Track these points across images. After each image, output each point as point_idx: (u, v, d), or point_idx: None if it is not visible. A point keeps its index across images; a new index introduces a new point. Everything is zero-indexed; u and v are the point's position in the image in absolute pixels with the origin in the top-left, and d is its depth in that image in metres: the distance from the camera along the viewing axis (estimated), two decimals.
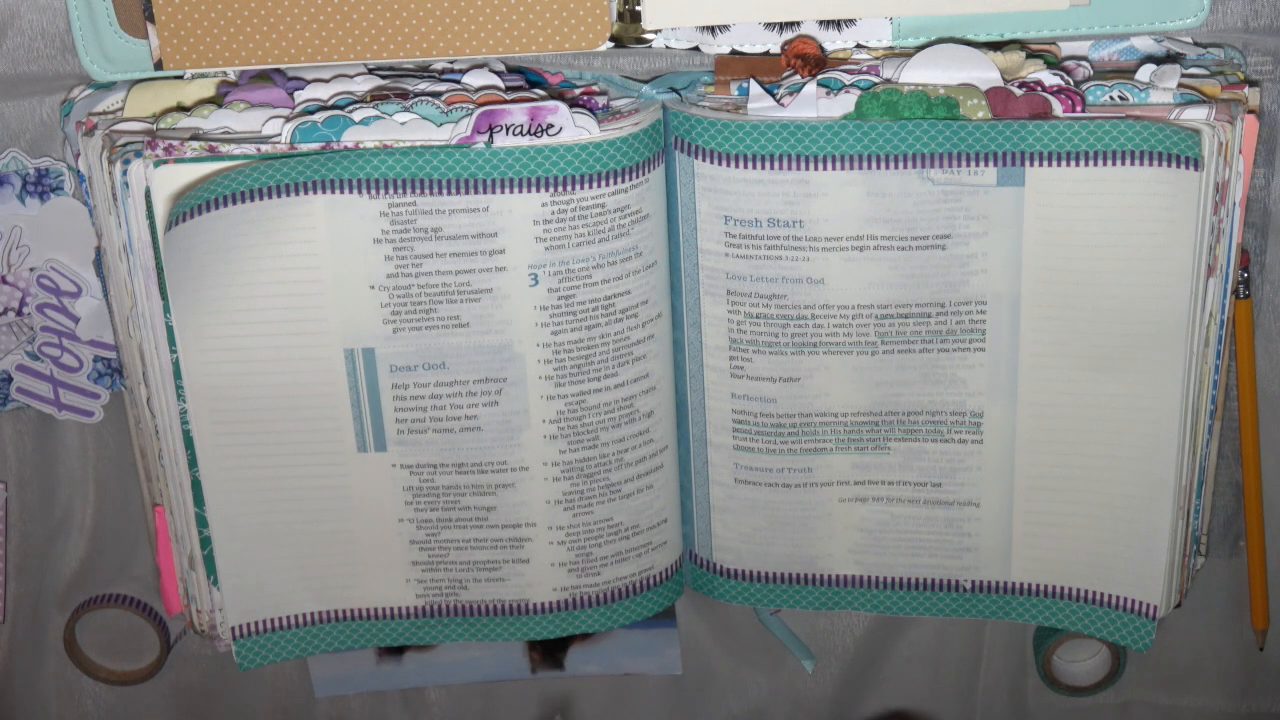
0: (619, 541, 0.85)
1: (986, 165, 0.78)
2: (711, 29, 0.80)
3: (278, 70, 0.81)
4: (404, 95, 0.79)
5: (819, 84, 0.78)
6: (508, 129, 0.77)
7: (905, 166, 0.78)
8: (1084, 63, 0.80)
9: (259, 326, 0.79)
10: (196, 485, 0.82)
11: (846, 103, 0.78)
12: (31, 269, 0.85)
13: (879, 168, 0.78)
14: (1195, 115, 0.76)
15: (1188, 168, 0.75)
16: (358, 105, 0.78)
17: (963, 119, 0.77)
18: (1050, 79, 0.77)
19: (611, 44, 0.79)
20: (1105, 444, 0.82)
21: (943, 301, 0.81)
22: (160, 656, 0.93)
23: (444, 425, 0.82)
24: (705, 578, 0.89)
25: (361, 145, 0.77)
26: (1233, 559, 0.91)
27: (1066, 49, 0.81)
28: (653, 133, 0.79)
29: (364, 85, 0.80)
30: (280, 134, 0.77)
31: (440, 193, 0.78)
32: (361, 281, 0.79)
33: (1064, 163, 0.77)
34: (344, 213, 0.78)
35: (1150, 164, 0.76)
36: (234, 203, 0.76)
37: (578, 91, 0.81)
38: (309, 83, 0.80)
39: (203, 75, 0.80)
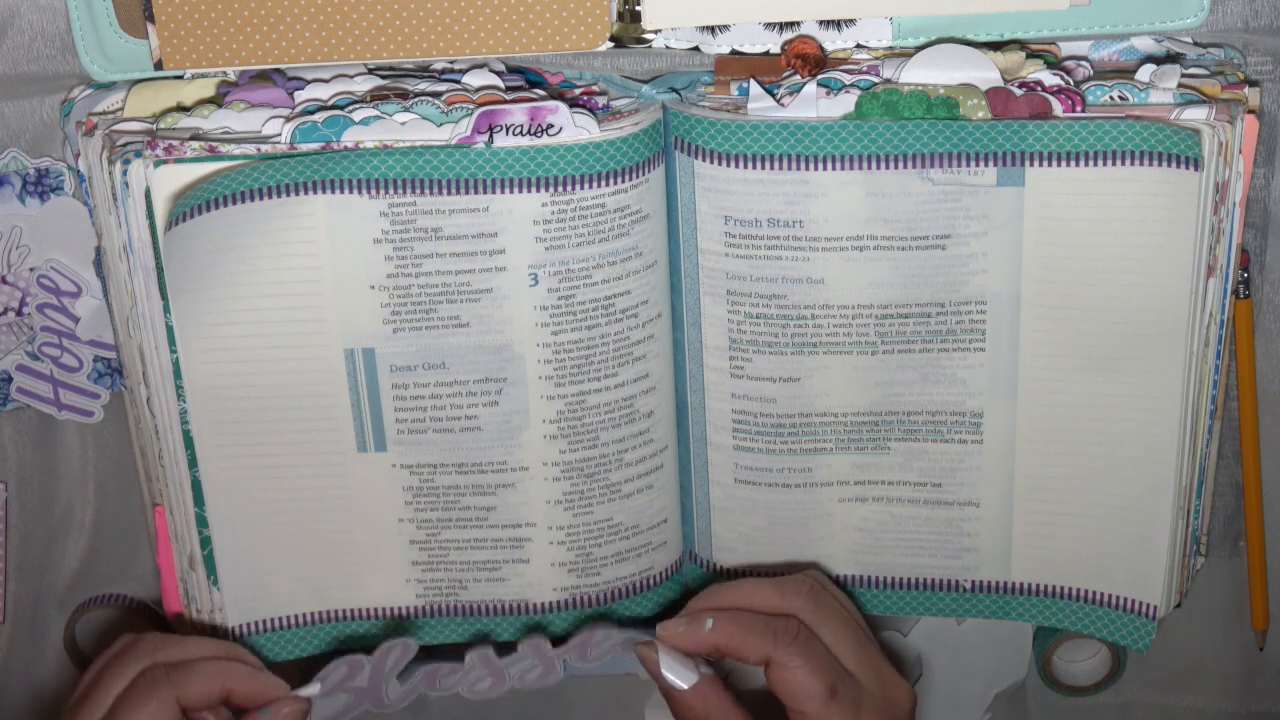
0: (619, 541, 0.85)
1: (986, 165, 0.78)
2: (711, 29, 0.80)
3: (278, 70, 0.81)
4: (404, 95, 0.79)
5: (819, 84, 0.78)
6: (508, 129, 0.77)
7: (905, 166, 0.78)
8: (1084, 63, 0.80)
9: (259, 326, 0.79)
10: (196, 485, 0.82)
11: (846, 103, 0.78)
12: (31, 269, 0.85)
13: (879, 168, 0.78)
14: (1195, 115, 0.76)
15: (1188, 168, 0.75)
16: (358, 105, 0.78)
17: (963, 119, 0.77)
18: (1050, 79, 0.77)
19: (611, 44, 0.79)
20: (1105, 444, 0.82)
21: (943, 301, 0.81)
22: None
23: (444, 425, 0.82)
24: (705, 578, 0.89)
25: (361, 145, 0.77)
26: (1233, 559, 0.91)
27: (1066, 49, 0.81)
28: (653, 133, 0.79)
29: (364, 85, 0.80)
30: (280, 134, 0.77)
31: (440, 193, 0.78)
32: (361, 281, 0.79)
33: (1064, 163, 0.77)
34: (344, 213, 0.78)
35: (1150, 164, 0.76)
36: (234, 203, 0.76)
37: (578, 91, 0.81)
38: (309, 83, 0.80)
39: (203, 75, 0.80)
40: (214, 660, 0.78)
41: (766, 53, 0.81)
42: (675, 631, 0.78)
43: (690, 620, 0.78)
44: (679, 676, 0.78)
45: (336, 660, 0.80)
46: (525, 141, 0.77)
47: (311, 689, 0.79)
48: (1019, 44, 0.80)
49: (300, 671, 0.96)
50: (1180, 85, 0.78)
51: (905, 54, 0.79)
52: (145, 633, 0.79)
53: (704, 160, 0.79)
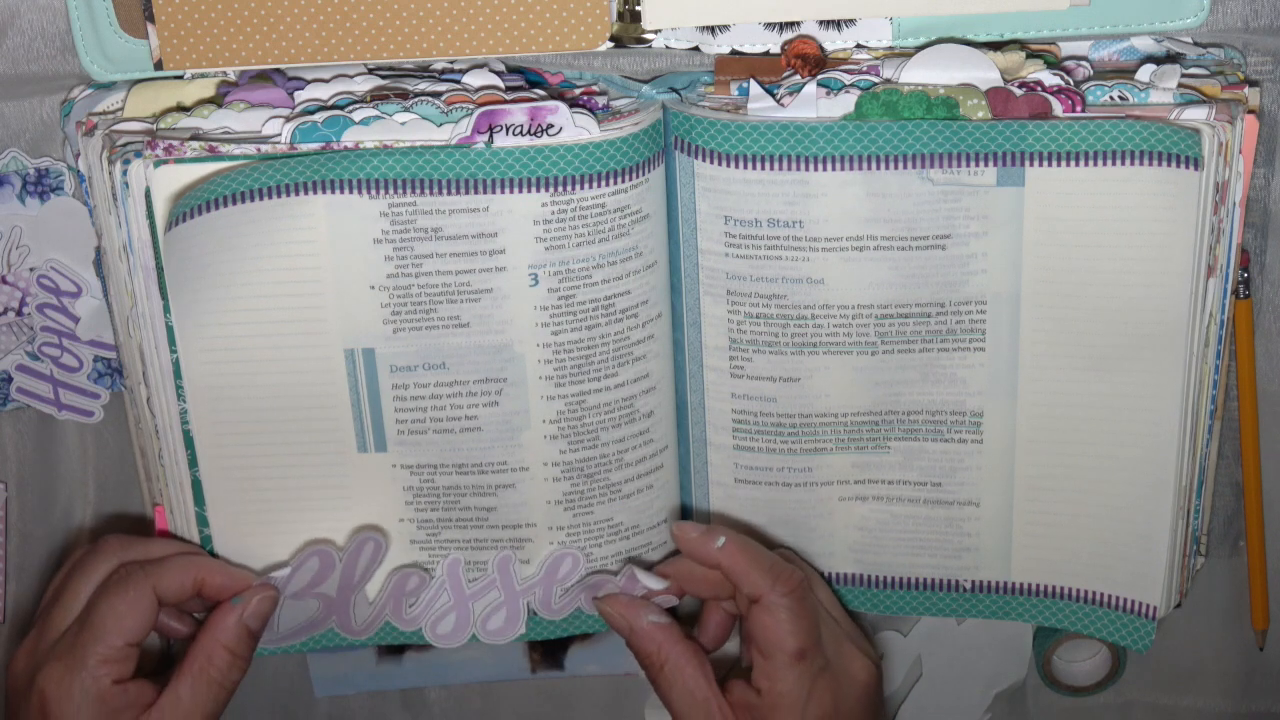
0: (619, 541, 0.85)
1: (986, 165, 0.78)
2: (711, 29, 0.80)
3: (278, 70, 0.81)
4: (404, 95, 0.79)
5: (819, 84, 0.78)
6: (508, 129, 0.77)
7: (905, 167, 0.78)
8: (1084, 63, 0.80)
9: (259, 326, 0.79)
10: (196, 485, 0.82)
11: (846, 103, 0.78)
12: (31, 269, 0.85)
13: (879, 168, 0.78)
14: (1195, 115, 0.76)
15: (1188, 168, 0.75)
16: (358, 105, 0.78)
17: (963, 119, 0.77)
18: (1050, 79, 0.77)
19: (611, 44, 0.79)
20: (1105, 444, 0.82)
21: (943, 301, 0.81)
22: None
23: (444, 425, 0.82)
24: None
25: (361, 145, 0.77)
26: (1233, 559, 0.91)
27: (1066, 49, 0.81)
28: (653, 133, 0.79)
29: (364, 85, 0.80)
30: (280, 134, 0.77)
31: (440, 193, 0.78)
32: (361, 281, 0.79)
33: (1064, 163, 0.77)
34: (344, 213, 0.78)
35: (1150, 164, 0.76)
36: (234, 203, 0.76)
37: (578, 91, 0.81)
38: (309, 83, 0.80)
39: (203, 75, 0.80)
40: (185, 555, 0.81)
41: (766, 53, 0.81)
42: (689, 535, 0.82)
43: (706, 531, 0.81)
44: (652, 582, 0.83)
45: (307, 550, 0.82)
46: (525, 141, 0.77)
47: (281, 574, 0.81)
48: (1019, 44, 0.80)
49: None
50: (1180, 85, 0.78)
51: (905, 54, 0.79)
52: (106, 536, 0.82)
53: (704, 160, 0.79)
